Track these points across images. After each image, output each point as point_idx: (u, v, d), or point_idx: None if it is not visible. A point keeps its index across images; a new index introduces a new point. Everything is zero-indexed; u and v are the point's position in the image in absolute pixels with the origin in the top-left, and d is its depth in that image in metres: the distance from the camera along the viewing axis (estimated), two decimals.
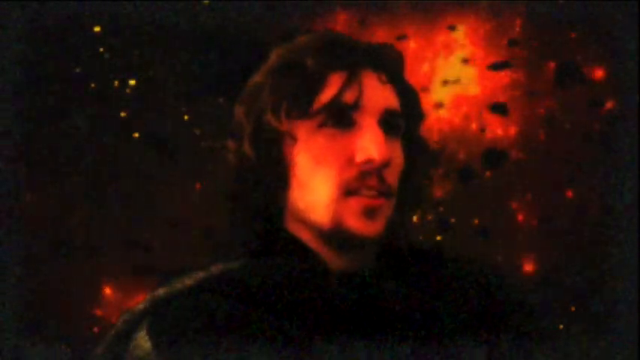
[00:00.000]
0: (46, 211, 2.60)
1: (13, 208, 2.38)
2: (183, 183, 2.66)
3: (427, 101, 2.62)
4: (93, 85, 2.62)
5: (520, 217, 2.81)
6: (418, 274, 1.08)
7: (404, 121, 1.09)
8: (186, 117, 2.74)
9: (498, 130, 2.85)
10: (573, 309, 2.63)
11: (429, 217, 2.72)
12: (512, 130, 2.85)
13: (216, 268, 1.02)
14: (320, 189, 1.02)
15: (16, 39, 2.36)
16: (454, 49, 2.81)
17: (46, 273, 2.55)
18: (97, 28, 2.58)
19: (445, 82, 2.78)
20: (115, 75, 2.64)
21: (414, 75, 2.63)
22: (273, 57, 1.11)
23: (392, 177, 1.05)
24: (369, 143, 1.02)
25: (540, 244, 2.77)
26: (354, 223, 1.01)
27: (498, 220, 2.79)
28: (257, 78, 1.10)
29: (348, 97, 1.03)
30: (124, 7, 2.50)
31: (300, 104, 1.04)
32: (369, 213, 1.02)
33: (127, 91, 2.68)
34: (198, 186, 2.66)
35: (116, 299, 2.67)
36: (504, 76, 2.80)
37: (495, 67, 2.71)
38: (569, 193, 2.78)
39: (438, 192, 2.70)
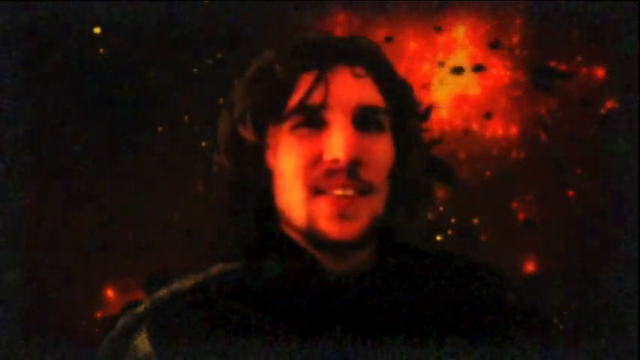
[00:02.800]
0: (46, 211, 2.60)
1: (13, 208, 2.38)
2: (184, 183, 2.66)
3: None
4: (93, 85, 2.62)
5: (521, 217, 2.81)
6: (417, 275, 1.07)
7: (389, 115, 1.07)
8: (186, 117, 2.74)
9: (499, 130, 2.85)
10: (573, 309, 2.63)
11: (429, 217, 2.72)
12: (514, 130, 2.85)
13: (215, 269, 1.03)
14: (292, 189, 1.03)
15: (16, 39, 2.36)
16: (453, 50, 2.81)
17: (47, 274, 2.55)
18: (97, 30, 2.58)
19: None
20: (115, 76, 2.64)
21: (413, 75, 2.64)
22: (252, 69, 1.11)
23: (371, 173, 1.03)
24: (336, 141, 1.01)
25: (541, 244, 2.77)
26: (325, 225, 1.01)
27: (499, 220, 2.79)
28: (234, 90, 1.11)
29: (316, 97, 1.02)
30: (123, 7, 2.50)
31: (271, 111, 1.04)
32: (342, 214, 1.01)
33: (127, 91, 2.68)
34: (199, 186, 2.65)
35: (118, 301, 2.67)
36: (504, 77, 2.80)
37: (457, 70, 2.71)
38: (570, 193, 2.78)
39: (438, 192, 2.70)
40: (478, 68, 2.72)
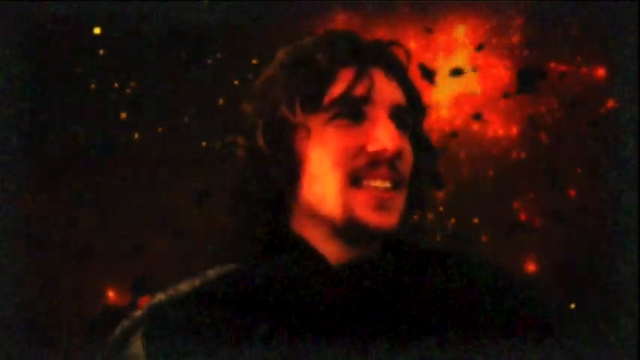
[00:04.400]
0: (47, 213, 2.61)
1: (13, 209, 2.38)
2: (184, 184, 2.66)
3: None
4: (93, 86, 2.63)
5: (523, 217, 2.81)
6: (423, 270, 1.07)
7: (411, 117, 1.10)
8: (186, 118, 2.74)
9: (500, 130, 2.85)
10: (573, 308, 2.63)
11: (430, 217, 2.72)
12: (514, 130, 2.85)
13: (212, 273, 1.02)
14: (330, 178, 1.03)
15: (16, 40, 2.36)
16: (453, 51, 2.81)
17: (48, 276, 2.56)
18: (97, 30, 2.59)
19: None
20: (115, 76, 2.64)
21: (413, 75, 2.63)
22: (282, 54, 1.12)
23: (405, 168, 1.06)
24: (383, 134, 1.04)
25: (541, 244, 2.77)
26: (366, 215, 1.02)
27: (499, 220, 2.79)
28: (267, 74, 1.11)
29: (360, 90, 1.05)
30: (123, 8, 2.50)
31: (313, 98, 1.05)
32: (381, 206, 1.02)
33: (127, 92, 2.68)
34: (200, 187, 2.66)
35: (119, 303, 2.67)
36: (504, 76, 2.80)
37: (427, 75, 2.69)
38: (572, 193, 2.78)
39: (439, 192, 2.69)
40: (456, 72, 2.72)
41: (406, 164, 1.06)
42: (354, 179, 1.02)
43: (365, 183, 1.03)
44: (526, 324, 1.05)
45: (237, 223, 1.09)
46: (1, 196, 2.35)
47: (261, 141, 1.05)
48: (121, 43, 2.63)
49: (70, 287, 2.58)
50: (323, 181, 1.03)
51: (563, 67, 2.77)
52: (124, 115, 2.70)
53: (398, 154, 1.03)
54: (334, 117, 1.04)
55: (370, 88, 1.05)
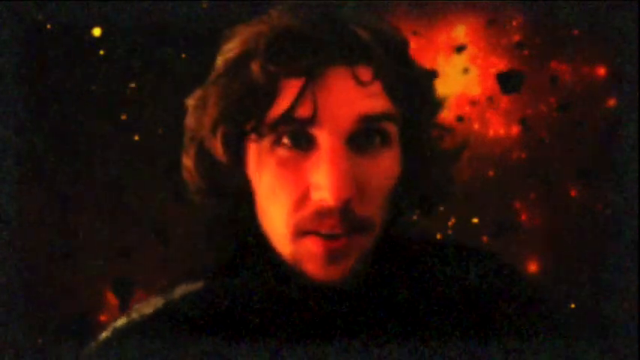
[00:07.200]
0: (47, 213, 2.60)
1: (12, 209, 2.38)
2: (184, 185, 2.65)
3: None
4: (93, 87, 2.62)
5: (523, 217, 2.80)
6: (417, 272, 1.04)
7: (398, 122, 0.91)
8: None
9: (500, 130, 2.84)
10: (573, 307, 2.63)
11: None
12: (515, 130, 2.84)
13: (178, 291, 0.95)
14: (276, 224, 0.90)
15: (15, 41, 2.36)
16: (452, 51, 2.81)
17: (48, 277, 2.55)
18: (96, 32, 2.58)
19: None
20: (115, 77, 2.64)
21: None
22: (219, 59, 0.96)
23: (368, 206, 0.89)
24: (324, 179, 0.84)
25: (542, 244, 2.76)
26: (312, 267, 0.89)
27: (499, 220, 2.78)
28: (199, 91, 0.97)
29: (303, 109, 0.85)
30: (124, 9, 2.50)
31: (248, 122, 0.88)
32: (331, 257, 0.88)
33: (128, 93, 2.68)
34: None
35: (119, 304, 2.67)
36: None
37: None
38: (572, 193, 2.77)
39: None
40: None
41: (372, 199, 0.88)
42: (301, 232, 0.88)
43: (314, 234, 0.87)
44: (528, 322, 1.04)
45: (206, 238, 1.02)
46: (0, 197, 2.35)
47: (197, 180, 0.96)
48: (121, 43, 2.62)
49: (70, 288, 2.58)
50: (271, 222, 0.90)
51: (563, 67, 2.76)
52: (124, 116, 2.70)
53: (348, 202, 0.84)
54: (276, 143, 0.87)
55: (315, 106, 0.82)
